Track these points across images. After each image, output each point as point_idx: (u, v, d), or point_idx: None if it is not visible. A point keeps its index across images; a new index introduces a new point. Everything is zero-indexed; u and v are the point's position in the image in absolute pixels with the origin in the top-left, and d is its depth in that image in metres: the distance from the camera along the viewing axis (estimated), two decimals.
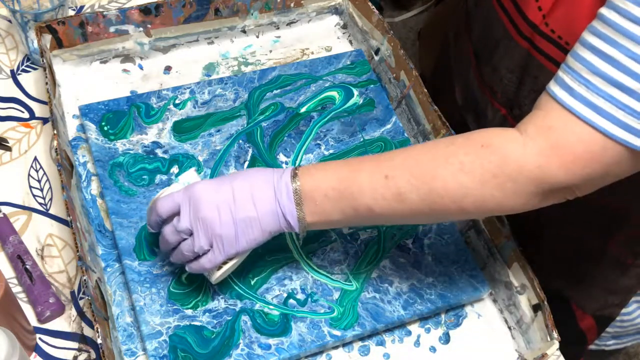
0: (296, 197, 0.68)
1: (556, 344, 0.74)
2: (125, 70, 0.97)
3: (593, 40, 0.59)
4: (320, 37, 1.06)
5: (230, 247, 0.69)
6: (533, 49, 0.76)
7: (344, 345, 0.78)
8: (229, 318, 0.76)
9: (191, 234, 0.69)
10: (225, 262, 0.71)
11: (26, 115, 0.93)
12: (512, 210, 0.65)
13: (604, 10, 0.59)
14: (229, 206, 0.68)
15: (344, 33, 1.07)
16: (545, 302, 0.75)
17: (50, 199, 0.86)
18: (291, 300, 0.78)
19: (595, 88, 0.58)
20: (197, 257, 0.70)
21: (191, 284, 0.77)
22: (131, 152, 0.87)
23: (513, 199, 0.63)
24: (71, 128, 0.90)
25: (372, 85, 0.98)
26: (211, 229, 0.68)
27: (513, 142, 0.62)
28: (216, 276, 0.72)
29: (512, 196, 0.63)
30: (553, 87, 0.62)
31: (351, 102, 0.96)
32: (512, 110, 0.84)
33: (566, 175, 0.60)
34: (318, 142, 0.91)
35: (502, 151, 0.62)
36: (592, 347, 1.07)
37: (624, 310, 1.01)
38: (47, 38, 0.92)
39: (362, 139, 0.92)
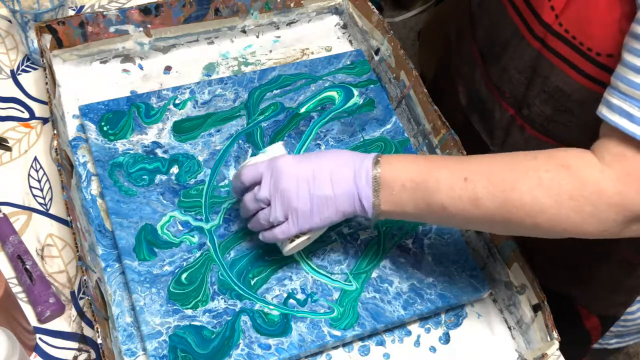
0: (374, 183, 0.69)
1: (556, 344, 0.74)
2: (125, 70, 0.97)
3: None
4: (320, 37, 1.06)
5: (304, 221, 0.71)
6: (545, 49, 0.76)
7: (344, 345, 0.78)
8: (229, 318, 0.76)
9: (269, 203, 0.72)
10: (298, 236, 0.73)
11: (26, 115, 0.93)
12: (590, 235, 0.64)
13: None
14: (307, 182, 0.70)
15: (344, 33, 1.07)
16: (545, 302, 0.75)
17: (50, 199, 0.86)
18: (291, 300, 0.78)
19: None
20: (272, 227, 0.73)
21: (191, 284, 0.77)
22: (131, 152, 0.87)
23: (591, 224, 0.63)
24: (71, 128, 0.90)
25: (372, 85, 0.98)
26: (288, 201, 0.70)
27: (591, 166, 0.62)
28: (288, 248, 0.74)
29: (590, 220, 0.62)
30: (611, 115, 0.62)
31: (351, 102, 0.96)
32: (521, 110, 0.83)
33: None
34: (318, 142, 0.91)
35: (580, 174, 0.62)
36: (595, 345, 1.07)
37: (628, 310, 1.01)
38: (47, 38, 0.92)
39: (362, 139, 0.92)
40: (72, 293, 0.79)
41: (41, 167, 0.88)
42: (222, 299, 0.77)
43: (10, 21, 1.01)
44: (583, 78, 0.73)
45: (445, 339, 0.80)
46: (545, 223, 0.64)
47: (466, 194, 0.65)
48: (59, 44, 0.93)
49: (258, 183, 0.73)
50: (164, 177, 0.85)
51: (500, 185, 0.64)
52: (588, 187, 0.61)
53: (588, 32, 0.70)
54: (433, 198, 0.67)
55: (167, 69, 0.98)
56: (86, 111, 0.89)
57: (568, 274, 0.95)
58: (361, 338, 0.79)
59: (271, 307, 0.77)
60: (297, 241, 0.74)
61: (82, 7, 1.04)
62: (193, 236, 0.81)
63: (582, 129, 0.77)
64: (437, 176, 0.67)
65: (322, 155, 0.72)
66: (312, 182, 0.70)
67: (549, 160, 0.64)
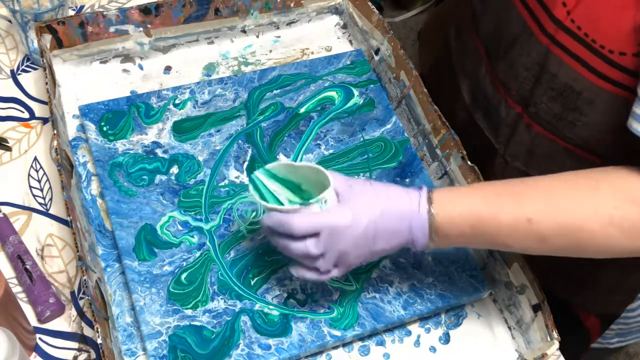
0: (430, 231, 0.69)
1: (556, 344, 0.74)
2: (125, 70, 0.97)
3: None
4: (320, 37, 1.06)
5: (351, 268, 0.72)
6: (554, 45, 0.75)
7: (344, 345, 0.78)
8: (229, 318, 0.76)
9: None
10: None
11: (26, 115, 0.93)
12: None
13: None
14: (366, 241, 0.69)
15: (344, 33, 1.07)
16: (545, 302, 0.75)
17: (50, 199, 0.86)
18: (291, 300, 0.78)
19: None
20: (315, 269, 0.71)
21: (191, 284, 0.77)
22: (131, 152, 0.87)
23: None
24: (71, 128, 0.90)
25: (372, 85, 0.98)
26: (344, 259, 0.70)
27: None
28: None
29: None
30: None
31: (351, 102, 0.96)
32: (528, 107, 0.83)
33: None
34: (318, 142, 0.91)
35: None
36: (595, 345, 1.07)
37: (628, 308, 1.01)
38: (47, 38, 0.92)
39: (362, 139, 0.92)
40: (72, 293, 0.79)
41: (41, 167, 0.88)
42: (222, 299, 0.77)
43: (10, 21, 1.01)
44: (594, 76, 0.72)
45: (445, 339, 0.80)
46: (616, 254, 0.66)
47: (532, 234, 0.66)
48: (59, 44, 0.93)
49: (309, 235, 0.69)
50: (164, 177, 0.85)
51: (569, 225, 0.65)
52: None
53: (601, 29, 0.69)
54: (494, 240, 0.68)
55: (167, 69, 0.98)
56: (86, 111, 0.89)
57: (567, 277, 0.95)
58: (361, 338, 0.79)
59: (271, 307, 0.77)
60: None
61: (82, 7, 1.05)
62: (193, 236, 0.81)
63: (591, 128, 0.77)
64: (497, 220, 0.67)
65: (374, 204, 0.69)
66: (371, 242, 0.69)
67: (615, 195, 0.64)
